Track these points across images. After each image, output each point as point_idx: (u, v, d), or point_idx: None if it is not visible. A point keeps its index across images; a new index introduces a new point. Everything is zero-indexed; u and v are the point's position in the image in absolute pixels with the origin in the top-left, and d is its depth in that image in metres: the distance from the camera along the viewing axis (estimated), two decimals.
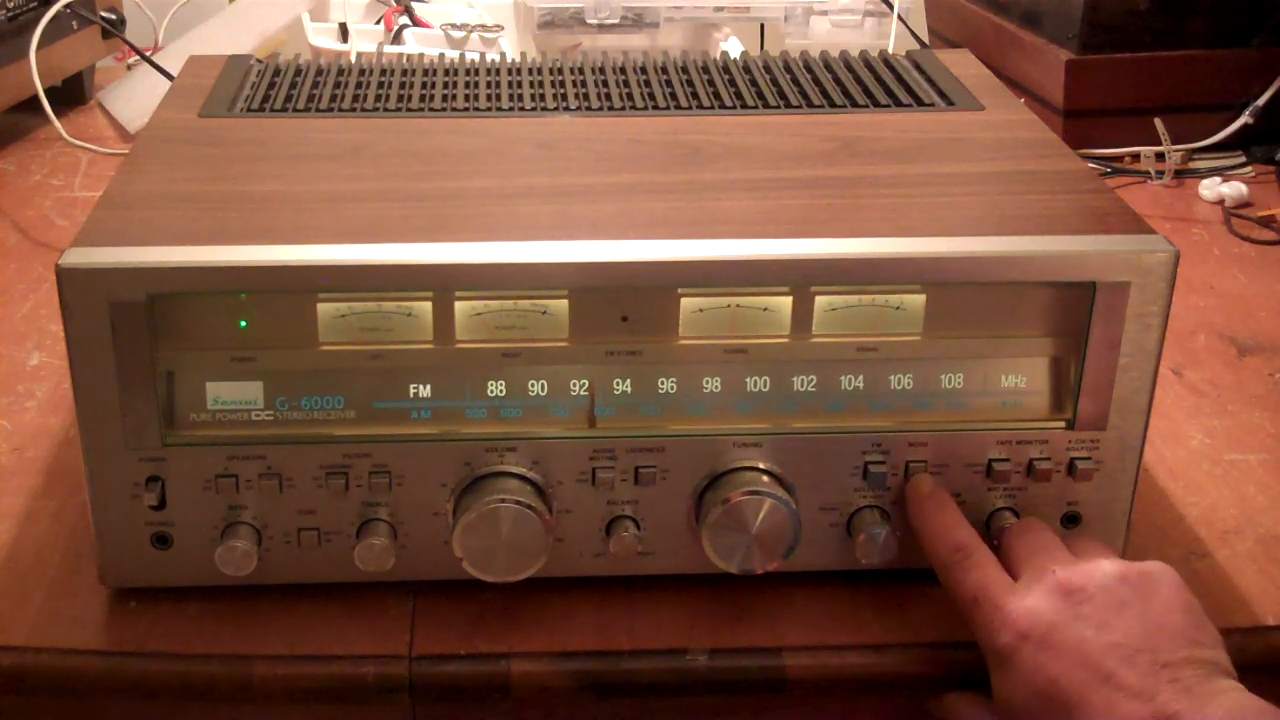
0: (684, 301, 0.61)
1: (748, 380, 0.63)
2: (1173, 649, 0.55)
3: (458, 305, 0.60)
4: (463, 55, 1.09)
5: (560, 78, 0.83)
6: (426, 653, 0.62)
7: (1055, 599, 0.57)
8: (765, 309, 0.61)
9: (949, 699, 0.63)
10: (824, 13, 1.30)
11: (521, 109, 0.78)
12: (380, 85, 0.81)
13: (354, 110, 0.77)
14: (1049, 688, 0.55)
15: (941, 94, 0.80)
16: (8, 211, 1.08)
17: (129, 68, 1.40)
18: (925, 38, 1.40)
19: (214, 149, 0.72)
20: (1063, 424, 0.64)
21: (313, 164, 0.70)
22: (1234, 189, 1.11)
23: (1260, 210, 1.10)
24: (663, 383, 0.63)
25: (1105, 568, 0.58)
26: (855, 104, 0.79)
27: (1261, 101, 1.15)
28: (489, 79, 0.83)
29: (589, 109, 0.78)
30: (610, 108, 0.78)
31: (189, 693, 0.62)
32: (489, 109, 0.78)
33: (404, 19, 1.28)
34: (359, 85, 0.81)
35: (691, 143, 0.73)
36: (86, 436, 0.60)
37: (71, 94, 1.31)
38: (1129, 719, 0.53)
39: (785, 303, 0.61)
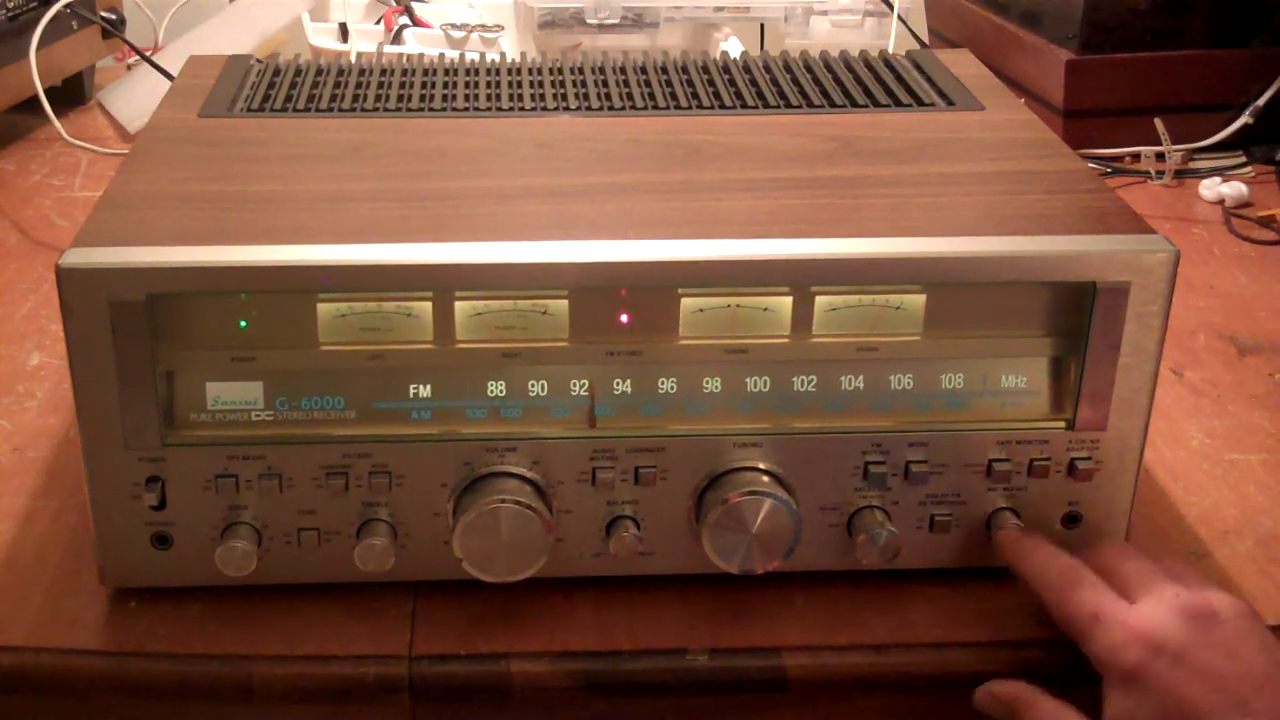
0: (684, 301, 0.61)
1: (748, 380, 0.63)
2: None
3: (458, 305, 0.60)
4: (463, 55, 1.09)
5: (560, 78, 0.83)
6: (426, 653, 0.62)
7: (1185, 621, 0.57)
8: (765, 309, 0.61)
9: (1022, 690, 0.61)
10: (824, 13, 1.30)
11: (521, 109, 0.78)
12: (380, 85, 0.81)
13: (354, 110, 0.77)
14: (1180, 708, 0.55)
15: (941, 94, 0.80)
16: (8, 211, 1.08)
17: (129, 68, 1.40)
18: (925, 38, 1.40)
19: (214, 149, 0.72)
20: (1063, 424, 0.64)
21: (313, 164, 0.70)
22: (1234, 189, 1.11)
23: (1260, 210, 1.10)
24: (663, 383, 0.63)
25: (1225, 598, 0.58)
26: (855, 104, 0.79)
27: (1261, 101, 1.15)
28: (489, 79, 0.83)
29: (589, 109, 0.78)
30: (610, 108, 0.78)
31: (189, 693, 0.62)
32: (489, 109, 0.78)
33: (404, 19, 1.28)
34: (359, 85, 0.81)
35: (691, 143, 0.73)
36: (86, 436, 0.60)
37: (71, 94, 1.31)
38: None
39: (785, 303, 0.61)
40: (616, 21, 1.27)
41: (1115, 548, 0.63)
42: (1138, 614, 0.58)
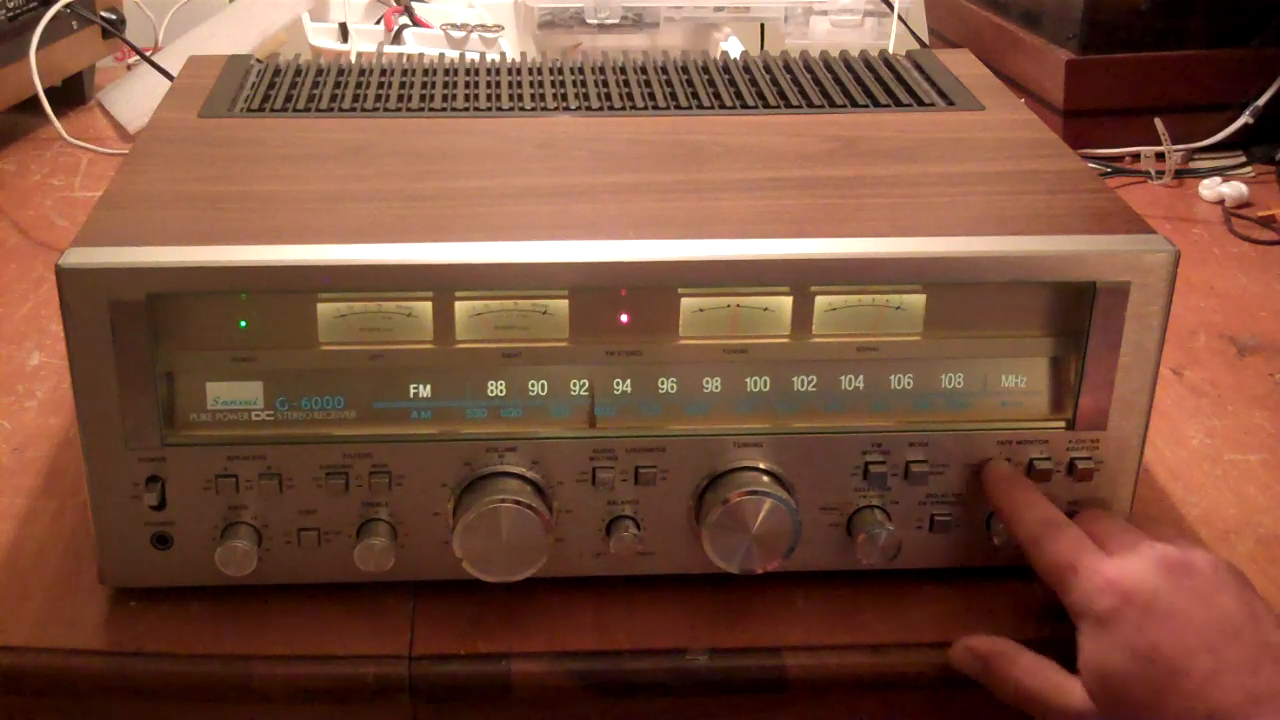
0: (684, 301, 0.61)
1: (748, 380, 0.63)
2: (1273, 632, 0.55)
3: (458, 305, 0.60)
4: (463, 55, 1.09)
5: (560, 78, 0.83)
6: (426, 653, 0.62)
7: (1158, 569, 0.57)
8: (765, 309, 0.61)
9: (999, 643, 0.62)
10: (824, 13, 1.30)
11: (521, 109, 0.78)
12: (380, 85, 0.81)
13: (354, 110, 0.77)
14: (1150, 652, 0.55)
15: (941, 94, 0.80)
16: (8, 211, 1.08)
17: (129, 68, 1.40)
18: (925, 38, 1.40)
19: (214, 149, 0.72)
20: (1063, 424, 0.64)
21: (313, 164, 0.70)
22: (1234, 189, 1.11)
23: (1260, 210, 1.10)
24: (663, 383, 0.63)
25: (1202, 551, 0.59)
26: (855, 104, 0.79)
27: (1261, 101, 1.15)
28: (489, 79, 0.83)
29: (589, 109, 0.78)
30: (610, 108, 0.78)
31: (189, 693, 0.62)
32: (489, 109, 0.78)
33: (404, 19, 1.28)
34: (359, 85, 0.81)
35: (691, 143, 0.73)
36: (86, 436, 0.60)
37: (71, 94, 1.31)
38: (1231, 689, 0.53)
39: (785, 303, 0.61)
40: (616, 21, 1.27)
41: (1101, 513, 0.64)
42: (1113, 564, 0.58)
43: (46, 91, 1.15)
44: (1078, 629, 0.59)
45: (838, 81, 0.83)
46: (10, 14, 1.16)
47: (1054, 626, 0.64)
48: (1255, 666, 0.54)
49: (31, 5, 1.19)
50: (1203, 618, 0.55)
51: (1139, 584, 0.57)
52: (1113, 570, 0.58)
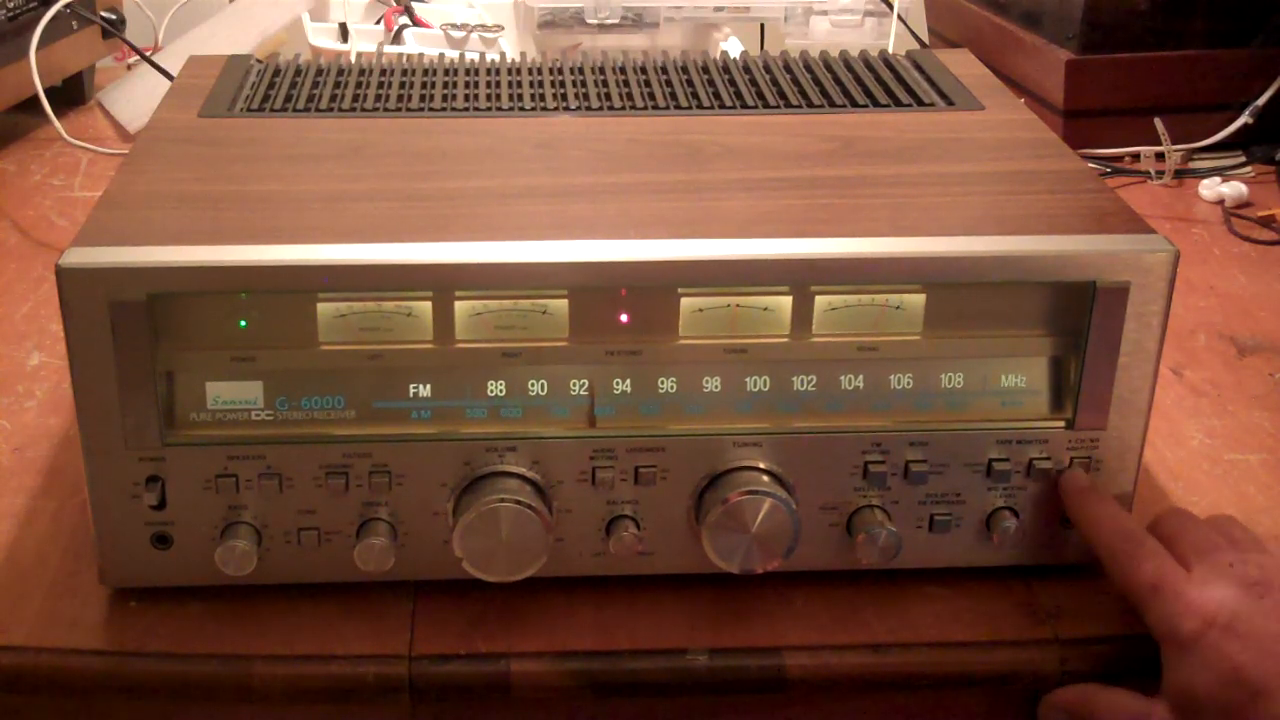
0: (684, 301, 0.61)
1: (748, 380, 0.63)
2: None
3: (458, 305, 0.60)
4: (463, 55, 1.09)
5: (560, 78, 0.83)
6: (426, 653, 0.62)
7: (1238, 589, 0.58)
8: (765, 309, 0.61)
9: (1077, 691, 0.62)
10: (824, 13, 1.30)
11: (521, 109, 0.78)
12: (380, 85, 0.81)
13: (354, 110, 0.77)
14: (1234, 675, 0.56)
15: (941, 94, 0.80)
16: (8, 211, 1.08)
17: (129, 68, 1.40)
18: (925, 38, 1.40)
19: (214, 149, 0.72)
20: (1063, 424, 0.64)
21: (313, 164, 0.70)
22: (1234, 189, 1.11)
23: (1260, 210, 1.10)
24: (663, 383, 0.63)
25: (1270, 560, 0.59)
26: (855, 104, 0.79)
27: (1261, 101, 1.15)
28: (489, 79, 0.83)
29: (589, 109, 0.78)
30: (610, 108, 0.78)
31: (189, 693, 0.62)
32: (489, 109, 0.78)
33: (404, 19, 1.28)
34: (359, 85, 0.81)
35: (691, 143, 0.73)
36: (86, 436, 0.60)
37: (71, 94, 1.31)
38: None
39: (785, 303, 0.61)
40: (616, 21, 1.27)
41: (1176, 516, 0.64)
42: (1195, 586, 0.59)
43: (46, 91, 1.15)
44: (1161, 649, 0.59)
45: (838, 81, 0.83)
46: (10, 14, 1.16)
47: (1055, 628, 0.64)
48: None
49: (31, 5, 1.19)
50: None
51: (1220, 606, 0.57)
52: (1194, 593, 0.58)
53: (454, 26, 1.26)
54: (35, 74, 1.15)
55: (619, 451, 0.63)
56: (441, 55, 1.03)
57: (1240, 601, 0.57)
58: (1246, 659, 0.56)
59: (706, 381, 0.63)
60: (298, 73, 0.83)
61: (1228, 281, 0.99)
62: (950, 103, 0.79)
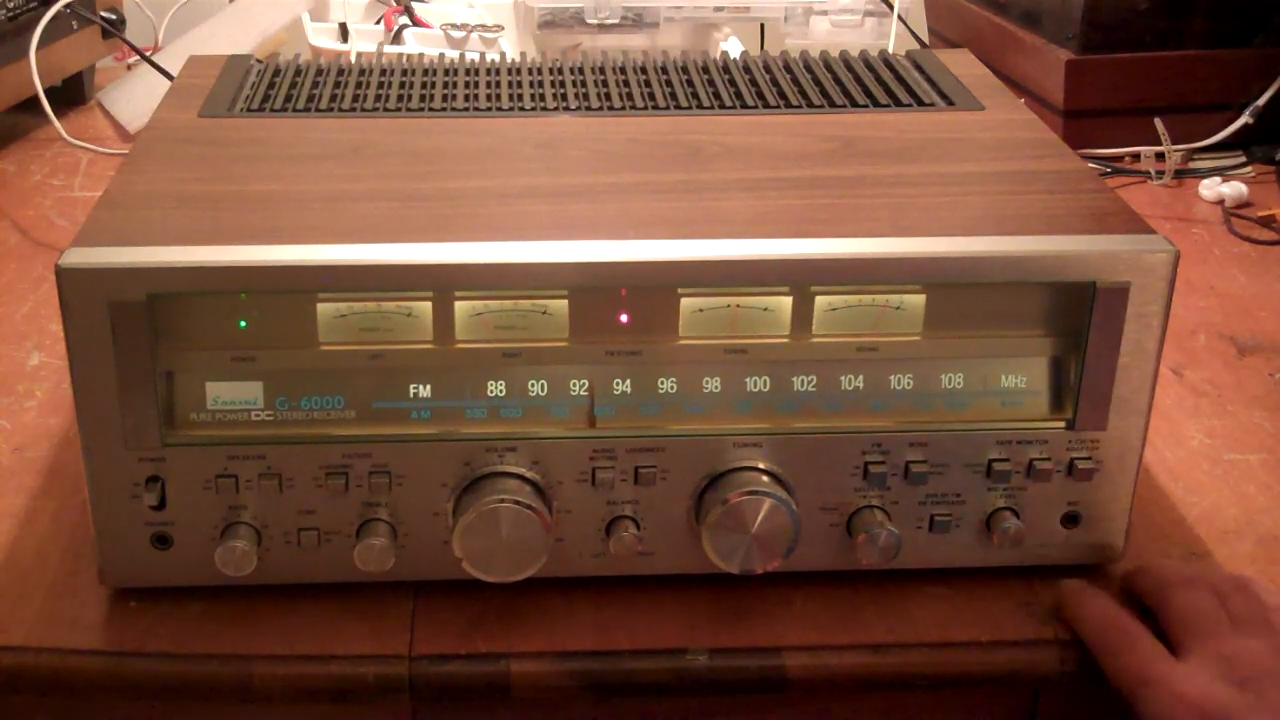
0: (684, 301, 0.61)
1: (748, 380, 0.63)
2: None
3: (458, 305, 0.60)
4: (463, 55, 1.09)
5: (560, 78, 0.83)
6: (426, 653, 0.62)
7: (1229, 686, 0.57)
8: (765, 309, 0.61)
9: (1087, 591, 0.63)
10: (824, 13, 1.30)
11: (521, 109, 0.78)
12: (380, 85, 0.81)
13: (354, 110, 0.77)
14: None
15: (941, 94, 0.80)
16: (8, 211, 1.08)
17: (129, 68, 1.40)
18: (925, 38, 1.40)
19: (214, 149, 0.72)
20: (1063, 424, 0.64)
21: (313, 164, 0.70)
22: (1234, 189, 1.11)
23: (1260, 210, 1.10)
24: (663, 383, 0.63)
25: (1268, 648, 0.58)
26: (855, 104, 0.79)
27: (1261, 101, 1.15)
28: (489, 79, 0.83)
29: (589, 109, 0.78)
30: (610, 108, 0.78)
31: (189, 693, 0.62)
32: (489, 109, 0.78)
33: (404, 19, 1.28)
34: (359, 85, 0.81)
35: (691, 143, 0.73)
36: (86, 436, 0.60)
37: (71, 94, 1.31)
38: None
39: (785, 303, 0.61)
40: (616, 21, 1.27)
41: (1177, 580, 0.63)
42: (1185, 680, 0.58)
43: (46, 91, 1.15)
44: None
45: (838, 81, 0.83)
46: (10, 14, 1.16)
47: (1055, 628, 0.64)
48: None
49: (31, 5, 1.19)
50: None
51: (1212, 705, 0.57)
52: (1185, 688, 0.58)
53: (454, 26, 1.26)
54: (35, 74, 1.15)
55: (619, 452, 0.63)
56: (441, 55, 1.03)
57: (1232, 698, 0.57)
58: None
59: (706, 382, 0.63)
60: (298, 73, 0.83)
61: (1228, 281, 0.99)
62: (950, 103, 0.79)
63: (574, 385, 0.62)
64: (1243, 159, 1.18)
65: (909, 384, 0.63)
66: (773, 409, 0.63)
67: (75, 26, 1.25)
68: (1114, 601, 0.63)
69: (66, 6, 1.20)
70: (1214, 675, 0.58)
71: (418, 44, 1.25)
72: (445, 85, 0.81)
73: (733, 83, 0.82)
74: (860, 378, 0.63)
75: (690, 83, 0.82)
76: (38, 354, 0.87)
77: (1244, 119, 1.15)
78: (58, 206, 1.09)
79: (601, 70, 0.84)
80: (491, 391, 0.62)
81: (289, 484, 0.62)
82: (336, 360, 0.61)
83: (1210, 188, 1.13)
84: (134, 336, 0.59)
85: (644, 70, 0.84)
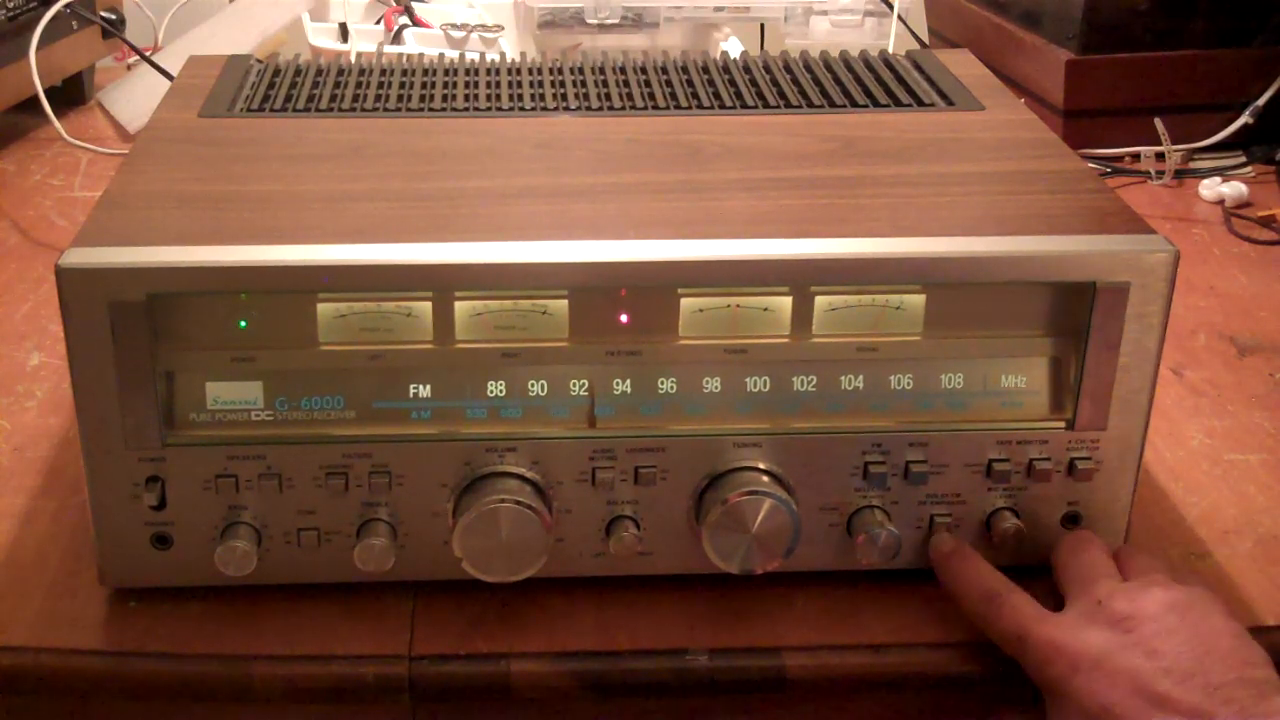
0: (684, 301, 0.61)
1: (748, 380, 0.63)
2: (1224, 670, 0.55)
3: (458, 305, 0.60)
4: (463, 55, 1.09)
5: (560, 78, 0.83)
6: (426, 653, 0.62)
7: (1104, 628, 0.57)
8: (765, 309, 0.61)
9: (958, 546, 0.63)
10: (824, 13, 1.30)
11: (521, 109, 0.78)
12: (380, 85, 0.81)
13: (354, 110, 0.77)
14: (1103, 715, 0.55)
15: (941, 94, 0.80)
16: (8, 211, 1.08)
17: (129, 68, 1.40)
18: (925, 38, 1.40)
19: (214, 149, 0.72)
20: (1063, 424, 0.64)
21: (313, 164, 0.70)
22: (1234, 189, 1.11)
23: (1260, 210, 1.10)
24: (663, 383, 0.63)
25: (1153, 595, 0.58)
26: (855, 104, 0.79)
27: (1261, 101, 1.15)
28: (489, 79, 0.83)
29: (589, 109, 0.78)
30: (610, 108, 0.78)
31: (189, 693, 0.62)
32: (489, 109, 0.78)
33: (404, 19, 1.28)
34: (359, 85, 0.81)
35: (691, 143, 0.73)
36: (86, 436, 0.60)
37: (71, 94, 1.31)
38: None
39: (785, 303, 0.61)
40: (616, 21, 1.27)
41: (1071, 538, 0.64)
42: (1058, 628, 0.58)
43: (46, 91, 1.15)
44: (1042, 695, 0.59)
45: (837, 81, 0.83)
46: (10, 14, 1.16)
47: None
48: (1208, 712, 0.53)
49: (31, 5, 1.19)
50: (1149, 670, 0.55)
51: (1085, 648, 0.57)
52: (1061, 636, 0.58)
53: (454, 26, 1.26)
54: (35, 74, 1.15)
55: (619, 452, 0.63)
56: (441, 55, 1.03)
57: (1107, 640, 0.57)
58: (1114, 698, 0.55)
59: (706, 382, 0.63)
60: (298, 73, 0.83)
61: (1228, 281, 0.99)
62: (950, 103, 0.79)
63: (574, 385, 0.62)
64: (1243, 159, 1.18)
65: (909, 384, 0.63)
66: (773, 409, 0.63)
67: (75, 26, 1.25)
68: (986, 564, 0.63)
69: (66, 6, 1.20)
70: (1089, 621, 0.58)
71: (418, 44, 1.25)
72: (445, 85, 0.81)
73: (733, 83, 0.82)
74: (860, 378, 0.63)
75: (690, 83, 0.82)
76: (38, 354, 0.87)
77: (1244, 119, 1.15)
78: (58, 206, 1.09)
79: (601, 70, 0.84)
80: (491, 391, 0.62)
81: (289, 484, 0.62)
82: (336, 360, 0.61)
83: (1210, 188, 1.13)
84: (134, 336, 0.59)
85: (644, 70, 0.84)
